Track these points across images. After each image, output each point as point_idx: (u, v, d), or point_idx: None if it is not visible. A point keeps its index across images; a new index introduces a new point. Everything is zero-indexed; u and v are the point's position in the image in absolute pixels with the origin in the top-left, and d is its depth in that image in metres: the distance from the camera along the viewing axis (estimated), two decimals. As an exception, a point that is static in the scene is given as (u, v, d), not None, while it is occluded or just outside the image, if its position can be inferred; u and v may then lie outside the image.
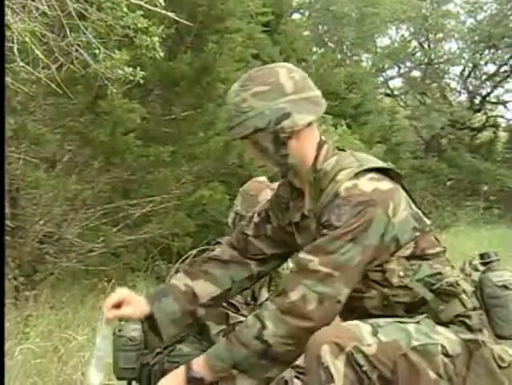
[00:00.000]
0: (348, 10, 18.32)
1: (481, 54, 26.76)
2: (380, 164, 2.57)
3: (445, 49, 27.04)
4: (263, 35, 9.44)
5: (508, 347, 2.59)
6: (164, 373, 3.39)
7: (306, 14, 20.98)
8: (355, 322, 2.42)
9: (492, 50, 26.74)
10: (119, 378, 3.53)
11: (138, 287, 6.71)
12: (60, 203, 6.66)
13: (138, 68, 5.53)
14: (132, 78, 5.53)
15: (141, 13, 5.34)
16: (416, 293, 2.49)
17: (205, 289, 2.75)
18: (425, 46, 26.62)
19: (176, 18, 5.64)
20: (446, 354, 2.42)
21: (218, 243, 3.61)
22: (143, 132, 7.13)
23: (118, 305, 2.72)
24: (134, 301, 2.75)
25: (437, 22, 25.54)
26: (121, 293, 2.78)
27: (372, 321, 2.42)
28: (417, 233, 2.50)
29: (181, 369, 2.48)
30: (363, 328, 2.38)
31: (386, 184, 2.47)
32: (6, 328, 4.64)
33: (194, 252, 6.79)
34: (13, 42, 4.70)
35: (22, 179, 6.38)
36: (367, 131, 15.24)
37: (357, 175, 2.44)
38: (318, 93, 2.61)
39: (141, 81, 5.69)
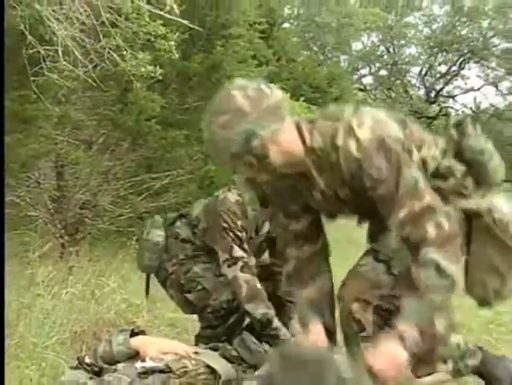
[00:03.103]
0: (329, 21, 18.20)
1: (435, 57, 26.69)
2: None
3: (407, 53, 26.99)
4: (260, 40, 9.36)
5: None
6: (178, 286, 3.51)
7: (295, 23, 20.87)
8: (371, 265, 2.37)
9: (444, 54, 26.67)
10: (142, 271, 3.74)
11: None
12: (96, 176, 6.65)
13: (158, 67, 5.51)
14: (152, 74, 5.51)
15: (161, 22, 5.30)
16: None
17: None
18: (391, 50, 26.49)
19: (190, 26, 5.60)
20: None
21: None
22: (162, 119, 7.10)
23: None
24: None
25: (400, 31, 25.44)
26: None
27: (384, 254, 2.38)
28: None
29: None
30: (379, 270, 2.36)
31: None
32: (50, 278, 4.67)
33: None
34: (58, 46, 4.67)
35: (66, 157, 6.38)
36: (344, 119, 15.17)
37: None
38: (277, 96, 2.18)
39: (161, 77, 5.67)
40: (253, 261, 3.37)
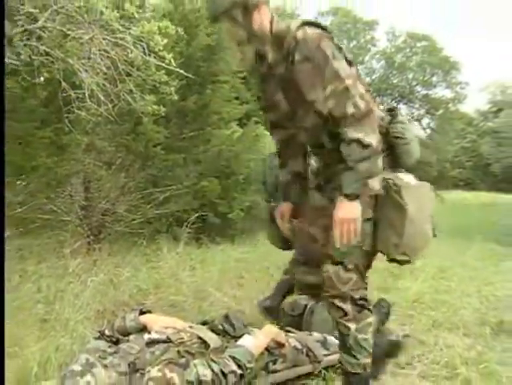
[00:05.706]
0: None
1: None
2: None
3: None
4: (241, 85, 9.37)
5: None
6: None
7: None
8: (332, 269, 2.30)
9: (380, 97, 27.04)
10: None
11: (161, 243, 6.63)
12: (114, 190, 6.61)
13: (161, 106, 5.52)
14: (157, 112, 5.52)
15: (163, 71, 5.31)
16: None
17: None
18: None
19: (186, 74, 5.60)
20: None
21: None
22: (165, 146, 7.10)
23: None
24: None
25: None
26: None
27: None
28: None
29: None
30: (339, 271, 2.30)
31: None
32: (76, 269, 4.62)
33: (192, 219, 6.79)
34: (85, 90, 4.68)
35: (91, 175, 6.34)
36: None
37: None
38: None
39: (164, 114, 5.68)
40: None
